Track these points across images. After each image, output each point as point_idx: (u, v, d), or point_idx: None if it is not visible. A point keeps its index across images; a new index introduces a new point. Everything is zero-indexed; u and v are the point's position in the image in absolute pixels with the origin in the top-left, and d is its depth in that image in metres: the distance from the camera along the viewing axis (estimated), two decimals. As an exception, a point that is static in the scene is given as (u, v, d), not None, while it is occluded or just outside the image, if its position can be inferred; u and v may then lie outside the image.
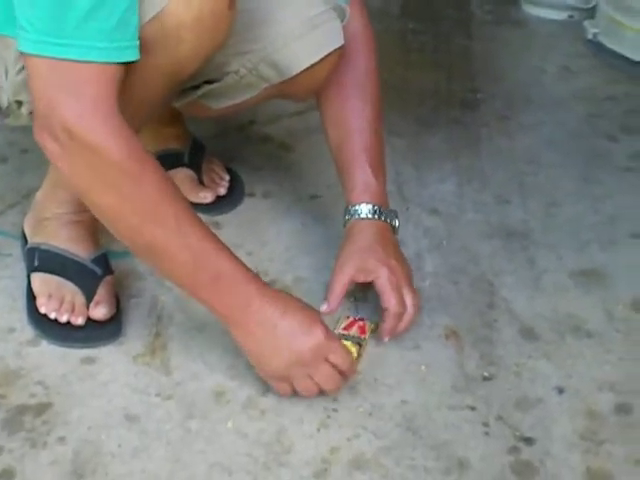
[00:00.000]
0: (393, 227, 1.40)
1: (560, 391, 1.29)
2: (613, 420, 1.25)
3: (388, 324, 1.32)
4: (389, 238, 1.38)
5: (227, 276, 1.16)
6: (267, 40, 1.29)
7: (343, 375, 1.21)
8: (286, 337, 1.17)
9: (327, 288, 1.36)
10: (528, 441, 1.21)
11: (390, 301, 1.31)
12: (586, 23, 2.40)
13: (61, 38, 1.04)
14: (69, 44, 1.04)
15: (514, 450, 1.20)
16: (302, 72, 1.31)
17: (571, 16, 2.53)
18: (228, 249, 1.18)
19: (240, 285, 1.17)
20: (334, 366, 1.20)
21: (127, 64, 1.09)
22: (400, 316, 1.32)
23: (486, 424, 1.23)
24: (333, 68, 1.35)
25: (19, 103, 1.27)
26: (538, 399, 1.28)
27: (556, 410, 1.26)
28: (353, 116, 1.42)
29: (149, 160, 1.12)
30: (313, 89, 1.39)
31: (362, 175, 1.39)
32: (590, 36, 2.36)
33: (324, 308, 1.32)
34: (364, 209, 1.38)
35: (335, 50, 1.32)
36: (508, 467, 1.17)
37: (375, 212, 1.37)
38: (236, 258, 1.18)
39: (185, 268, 1.15)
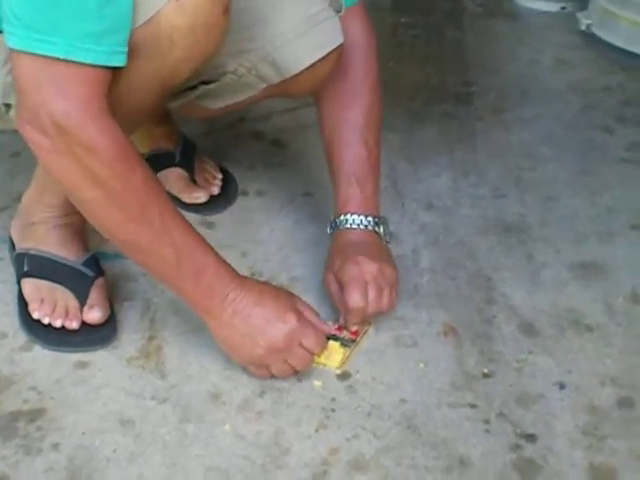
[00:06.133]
0: (378, 233, 1.40)
1: (561, 386, 1.28)
2: (615, 415, 1.23)
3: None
4: (368, 242, 1.38)
5: (206, 271, 1.19)
6: (266, 39, 1.27)
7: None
8: (260, 326, 1.20)
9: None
10: (530, 438, 1.19)
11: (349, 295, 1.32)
12: (579, 14, 2.39)
13: (48, 35, 1.03)
14: (56, 42, 1.03)
15: (516, 447, 1.18)
16: (302, 71, 1.29)
17: (564, 7, 2.52)
18: (209, 245, 1.20)
19: (218, 279, 1.20)
20: (307, 349, 1.23)
21: (115, 69, 1.08)
22: (359, 312, 1.32)
23: (487, 421, 1.22)
24: (334, 66, 1.33)
25: (7, 106, 1.25)
26: (539, 395, 1.26)
27: (557, 406, 1.24)
28: (344, 127, 1.42)
29: (137, 159, 1.13)
30: (313, 88, 1.38)
31: (346, 188, 1.40)
32: (583, 27, 2.35)
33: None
34: (344, 220, 1.39)
35: (335, 48, 1.30)
36: (510, 464, 1.16)
37: (354, 221, 1.38)
38: (216, 253, 1.21)
39: (167, 263, 1.17)
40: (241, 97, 1.36)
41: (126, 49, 1.08)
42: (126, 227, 1.14)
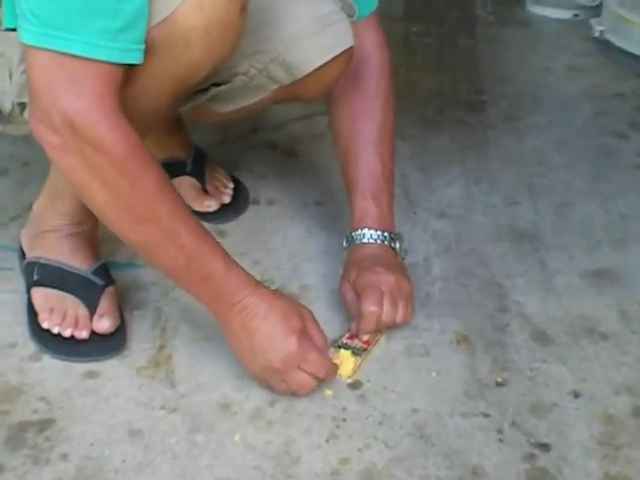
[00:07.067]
0: (394, 249, 1.40)
1: (576, 395, 1.26)
2: (631, 424, 1.22)
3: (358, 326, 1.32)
4: (384, 256, 1.37)
5: (216, 277, 1.18)
6: (277, 40, 1.27)
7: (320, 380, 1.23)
8: (262, 344, 1.19)
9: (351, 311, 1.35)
10: (544, 447, 1.18)
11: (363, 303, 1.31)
12: (592, 21, 2.39)
13: (65, 32, 1.03)
14: (73, 39, 1.03)
15: (530, 457, 1.17)
16: (312, 73, 1.29)
17: (576, 15, 2.52)
18: (222, 250, 1.19)
19: (228, 287, 1.18)
20: (308, 374, 1.21)
21: (131, 66, 1.08)
22: (372, 318, 1.30)
23: (500, 431, 1.20)
24: (343, 69, 1.33)
25: (22, 107, 1.24)
26: (553, 404, 1.24)
27: (572, 415, 1.23)
28: (358, 140, 1.42)
29: (149, 159, 1.12)
30: (323, 91, 1.38)
31: (361, 202, 1.40)
32: (596, 34, 2.35)
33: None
34: (360, 235, 1.39)
35: (345, 50, 1.30)
36: (524, 475, 1.14)
37: (372, 236, 1.38)
38: (229, 260, 1.19)
39: (176, 266, 1.17)
40: (252, 100, 1.35)
41: (143, 46, 1.08)
42: (135, 229, 1.13)
